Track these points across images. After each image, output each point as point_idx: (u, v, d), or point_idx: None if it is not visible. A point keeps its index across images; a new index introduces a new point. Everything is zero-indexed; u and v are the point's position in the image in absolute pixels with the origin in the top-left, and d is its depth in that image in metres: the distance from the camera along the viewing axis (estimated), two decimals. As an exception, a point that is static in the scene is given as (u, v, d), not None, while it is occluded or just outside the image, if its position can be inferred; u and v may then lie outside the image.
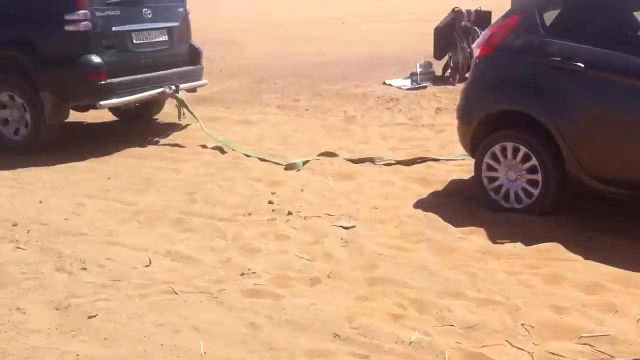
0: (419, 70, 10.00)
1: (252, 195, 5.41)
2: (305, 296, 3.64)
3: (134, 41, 7.07)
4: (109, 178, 6.00)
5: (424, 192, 5.34)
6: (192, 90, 8.05)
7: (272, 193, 5.41)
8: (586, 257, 3.96)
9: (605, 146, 4.36)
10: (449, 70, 10.34)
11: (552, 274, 3.77)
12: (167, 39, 7.50)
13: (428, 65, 10.29)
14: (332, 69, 11.91)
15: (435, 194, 5.30)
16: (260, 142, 7.21)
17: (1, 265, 4.07)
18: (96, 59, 6.60)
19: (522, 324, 3.24)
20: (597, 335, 3.11)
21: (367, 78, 10.79)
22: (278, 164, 6.29)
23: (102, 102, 6.71)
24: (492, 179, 4.87)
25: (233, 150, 6.76)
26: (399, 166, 6.10)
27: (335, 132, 7.61)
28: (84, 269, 4.00)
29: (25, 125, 6.83)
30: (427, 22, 12.79)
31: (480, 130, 4.96)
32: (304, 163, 6.23)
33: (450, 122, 7.57)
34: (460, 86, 9.30)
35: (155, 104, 8.18)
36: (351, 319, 3.35)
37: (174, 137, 7.51)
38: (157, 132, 7.75)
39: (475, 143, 5.02)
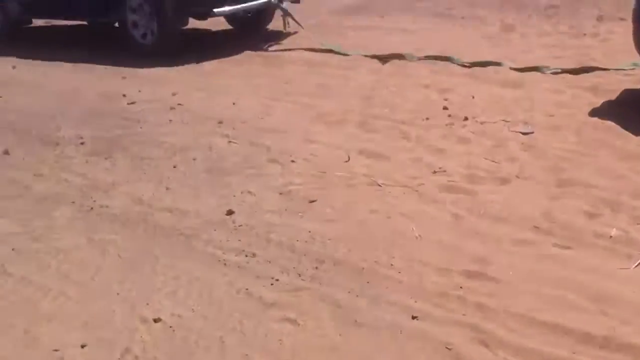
0: (577, -23, 9.72)
1: (425, 100, 5.70)
2: (499, 193, 3.96)
3: None
4: (286, 83, 6.46)
5: (597, 101, 5.41)
6: (296, 1, 8.52)
7: (445, 99, 5.68)
8: None
9: None
10: (608, -22, 9.97)
11: None
12: None
13: (587, -29, 9.96)
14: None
15: (609, 103, 5.37)
16: (420, 51, 7.37)
17: (223, 156, 4.65)
18: None
19: None
20: None
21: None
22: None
23: (215, 10, 7.45)
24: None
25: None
26: (567, 75, 6.17)
27: (495, 41, 7.67)
28: (293, 161, 4.50)
29: (152, 32, 7.65)
30: None
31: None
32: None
33: (613, 31, 7.48)
34: (622, -5, 9.14)
35: (265, 15, 8.81)
36: (547, 214, 3.65)
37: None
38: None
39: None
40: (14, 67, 7.68)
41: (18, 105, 6.20)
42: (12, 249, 3.60)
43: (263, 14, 8.71)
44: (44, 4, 8.67)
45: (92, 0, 8.09)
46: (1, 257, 3.53)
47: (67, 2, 8.38)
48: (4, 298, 3.18)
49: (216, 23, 8.84)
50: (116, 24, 8.15)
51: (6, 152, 4.91)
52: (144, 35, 7.76)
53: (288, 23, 8.19)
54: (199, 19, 8.17)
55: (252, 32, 8.78)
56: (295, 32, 8.33)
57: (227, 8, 7.59)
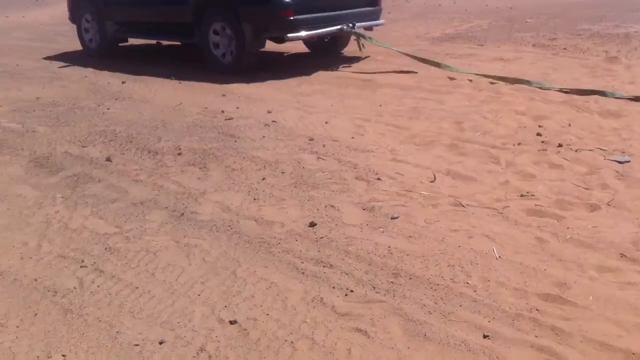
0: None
1: (519, 126, 5.62)
2: (587, 219, 3.85)
3: None
4: (380, 105, 6.54)
5: (703, 134, 5.19)
6: (369, 28, 8.85)
7: (539, 126, 5.58)
8: None
9: None
10: None
11: None
12: None
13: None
14: (584, 9, 11.48)
15: None
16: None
17: (310, 171, 4.76)
18: None
19: None
20: None
21: (626, 18, 10.29)
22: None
23: (289, 35, 7.88)
24: None
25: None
26: (672, 107, 5.93)
27: (597, 72, 7.47)
28: (379, 179, 4.55)
29: (231, 52, 8.28)
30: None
31: None
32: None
33: None
34: None
35: (341, 40, 9.33)
36: (636, 243, 3.52)
37: (426, 70, 7.85)
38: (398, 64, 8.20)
39: None
40: (123, 82, 8.19)
41: (124, 117, 6.58)
42: (106, 248, 3.83)
43: (339, 38, 9.19)
44: (137, 25, 9.50)
45: (179, 23, 8.75)
46: (95, 255, 3.75)
47: (157, 24, 9.13)
48: (95, 293, 3.38)
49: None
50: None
51: (108, 159, 5.23)
52: (224, 55, 8.37)
53: (363, 45, 8.57)
54: (276, 42, 8.58)
55: (330, 55, 9.29)
56: (367, 57, 8.70)
57: (302, 33, 7.98)
